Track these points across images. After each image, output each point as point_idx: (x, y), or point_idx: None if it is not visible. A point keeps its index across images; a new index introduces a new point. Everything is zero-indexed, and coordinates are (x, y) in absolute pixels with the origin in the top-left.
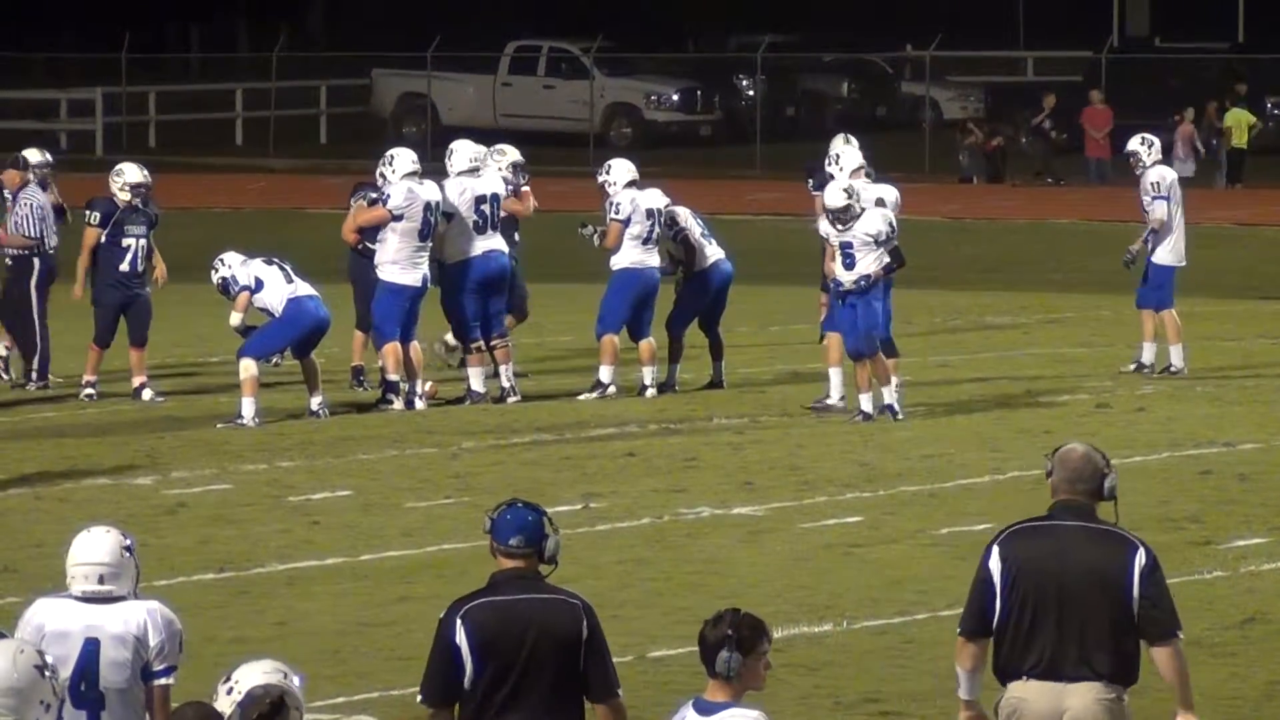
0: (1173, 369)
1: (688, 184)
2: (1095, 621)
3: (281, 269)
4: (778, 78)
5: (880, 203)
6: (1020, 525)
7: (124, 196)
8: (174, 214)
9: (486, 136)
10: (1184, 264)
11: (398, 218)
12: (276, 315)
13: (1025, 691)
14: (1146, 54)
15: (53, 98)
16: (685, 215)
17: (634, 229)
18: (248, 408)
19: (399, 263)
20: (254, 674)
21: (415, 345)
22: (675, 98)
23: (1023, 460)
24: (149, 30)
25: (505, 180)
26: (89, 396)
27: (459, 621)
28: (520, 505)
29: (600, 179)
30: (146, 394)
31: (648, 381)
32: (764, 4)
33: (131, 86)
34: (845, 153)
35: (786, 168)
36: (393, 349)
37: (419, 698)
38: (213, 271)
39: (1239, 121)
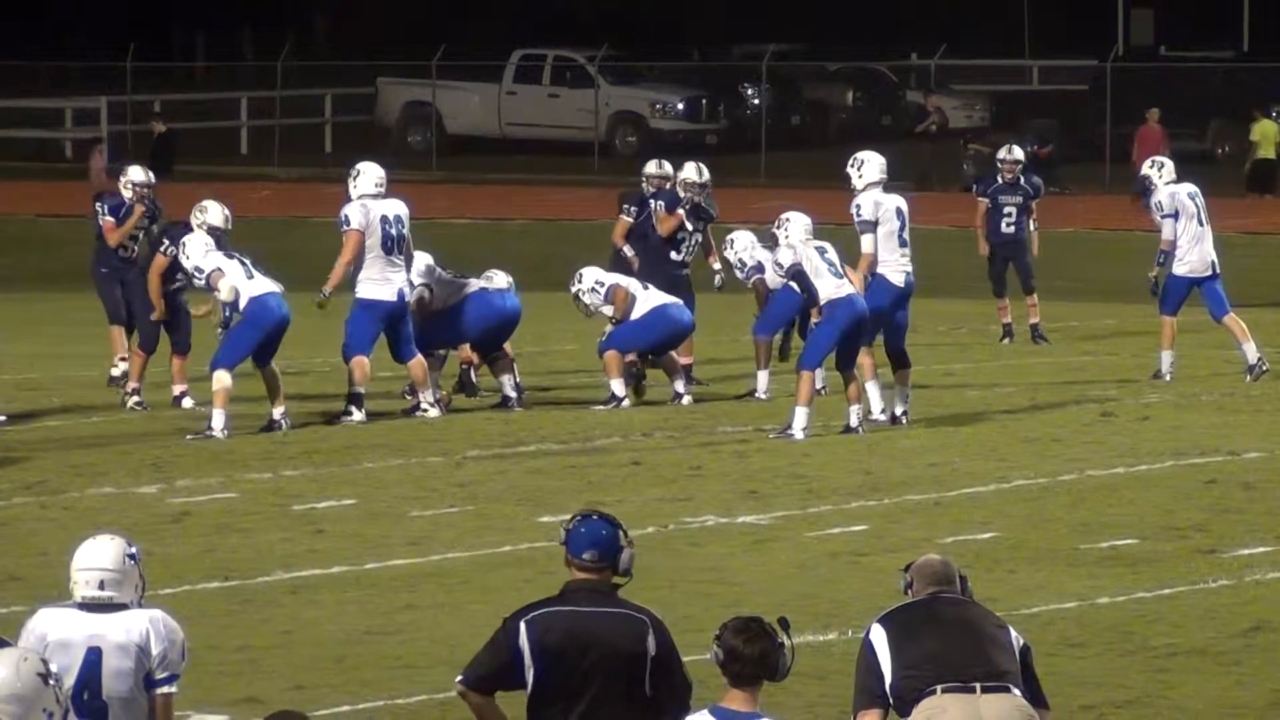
0: (1160, 374)
1: None
2: (992, 636)
3: (242, 263)
4: (783, 87)
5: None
6: (895, 606)
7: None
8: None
9: (491, 145)
10: (1207, 273)
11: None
12: (238, 311)
13: (941, 702)
14: (1151, 63)
15: (58, 106)
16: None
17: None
18: (218, 419)
19: (372, 278)
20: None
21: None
22: (680, 106)
23: (1027, 469)
24: (154, 38)
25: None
26: (138, 405)
27: (523, 626)
28: (596, 518)
29: (573, 287)
30: (187, 402)
31: (680, 389)
32: (769, 13)
33: (136, 95)
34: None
35: (791, 176)
36: (360, 363)
37: (459, 678)
38: (182, 256)
39: (1266, 133)
